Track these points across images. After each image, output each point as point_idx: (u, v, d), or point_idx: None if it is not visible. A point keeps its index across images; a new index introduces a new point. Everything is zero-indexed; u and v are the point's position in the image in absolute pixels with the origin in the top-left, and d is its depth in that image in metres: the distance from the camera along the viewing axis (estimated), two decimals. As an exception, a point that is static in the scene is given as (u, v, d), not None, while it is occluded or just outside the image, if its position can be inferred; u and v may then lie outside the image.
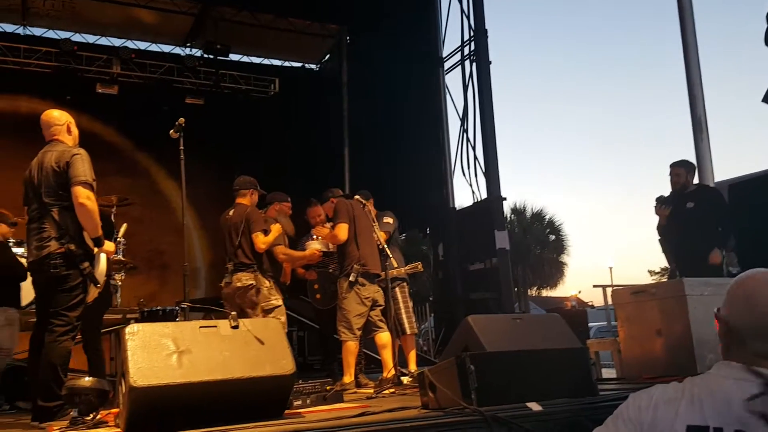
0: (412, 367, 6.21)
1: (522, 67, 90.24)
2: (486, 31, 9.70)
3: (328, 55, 13.51)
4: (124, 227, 6.83)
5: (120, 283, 7.08)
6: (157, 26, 11.87)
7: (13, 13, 10.87)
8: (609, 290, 6.62)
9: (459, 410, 3.15)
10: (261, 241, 5.77)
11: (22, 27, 11.13)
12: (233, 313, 3.65)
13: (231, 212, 5.99)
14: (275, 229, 5.99)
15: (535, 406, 3.20)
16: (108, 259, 4.57)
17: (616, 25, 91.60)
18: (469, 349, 4.09)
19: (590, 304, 25.85)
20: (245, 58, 13.00)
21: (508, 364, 3.57)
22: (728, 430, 1.53)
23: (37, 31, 11.32)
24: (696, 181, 6.66)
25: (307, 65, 13.78)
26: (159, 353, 3.25)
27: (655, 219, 6.73)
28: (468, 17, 9.95)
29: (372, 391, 5.38)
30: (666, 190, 6.65)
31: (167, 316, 6.81)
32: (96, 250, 4.31)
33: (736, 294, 1.69)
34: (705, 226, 6.27)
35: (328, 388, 4.56)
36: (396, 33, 11.03)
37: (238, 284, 5.74)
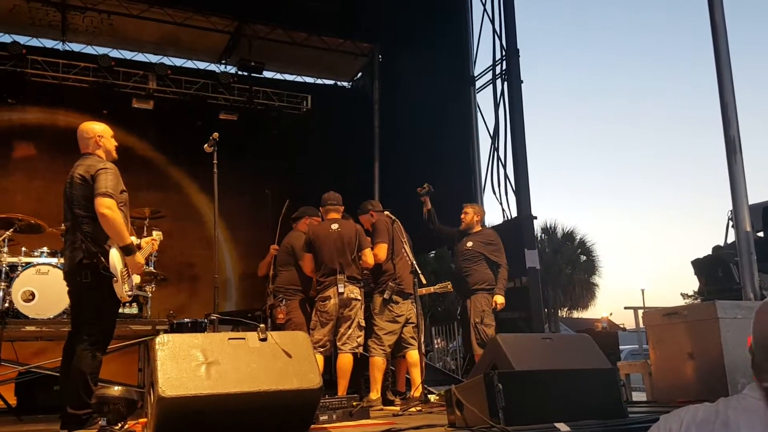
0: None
1: (554, 86, 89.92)
2: (518, 50, 9.69)
3: (360, 73, 13.62)
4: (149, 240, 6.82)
5: (150, 294, 7.17)
6: (193, 43, 12.08)
7: (53, 29, 11.17)
8: (641, 312, 6.54)
9: (486, 429, 3.13)
10: (371, 257, 6.02)
11: (61, 43, 11.39)
12: (261, 325, 3.67)
13: (335, 226, 6.05)
14: None
15: (563, 427, 3.17)
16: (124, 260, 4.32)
17: (651, 45, 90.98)
18: (498, 367, 4.06)
19: (622, 326, 25.45)
20: (278, 75, 13.12)
21: (536, 383, 3.54)
22: None
23: (76, 47, 11.57)
24: (488, 223, 7.31)
25: (339, 83, 13.90)
26: (188, 364, 3.28)
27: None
28: (500, 37, 9.95)
29: (398, 408, 5.37)
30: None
31: (196, 328, 6.86)
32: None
33: None
34: (476, 264, 6.77)
35: (354, 404, 4.56)
36: (428, 52, 11.07)
37: (352, 296, 5.87)
